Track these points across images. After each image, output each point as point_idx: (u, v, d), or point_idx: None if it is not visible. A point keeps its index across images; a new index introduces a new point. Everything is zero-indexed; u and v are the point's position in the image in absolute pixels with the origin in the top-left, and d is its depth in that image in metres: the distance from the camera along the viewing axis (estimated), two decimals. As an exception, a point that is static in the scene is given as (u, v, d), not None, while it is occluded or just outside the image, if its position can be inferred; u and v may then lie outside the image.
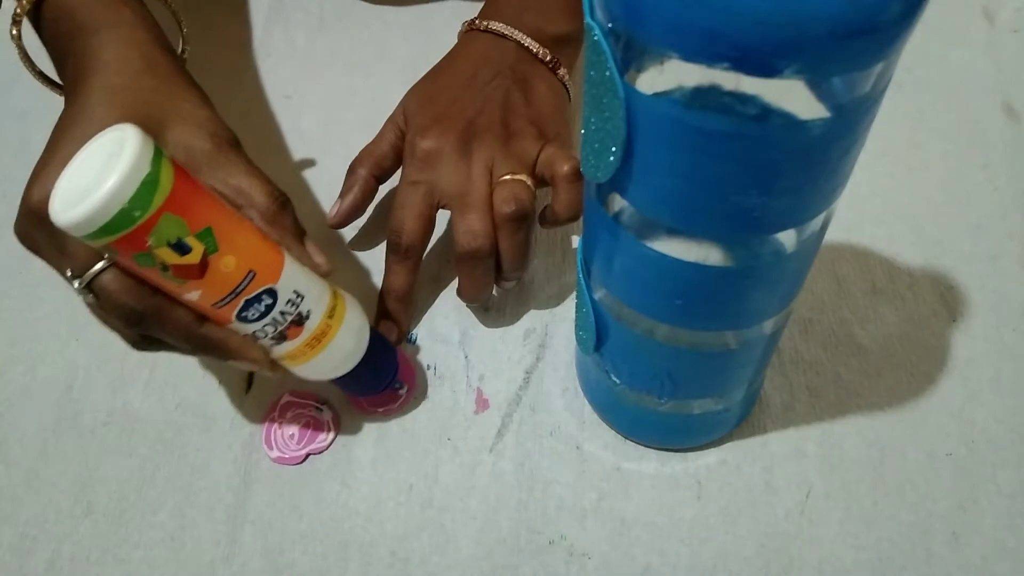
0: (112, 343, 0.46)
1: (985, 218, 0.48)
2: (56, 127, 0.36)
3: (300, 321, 0.35)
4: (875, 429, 0.41)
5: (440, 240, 0.48)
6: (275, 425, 0.42)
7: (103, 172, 0.28)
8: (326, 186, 0.51)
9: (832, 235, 0.37)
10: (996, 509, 0.39)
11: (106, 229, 0.28)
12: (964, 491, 0.39)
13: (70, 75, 0.38)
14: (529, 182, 0.42)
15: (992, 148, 0.52)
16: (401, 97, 0.47)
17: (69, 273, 0.33)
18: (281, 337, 0.35)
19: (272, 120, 0.55)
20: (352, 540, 0.39)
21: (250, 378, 0.44)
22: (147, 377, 0.45)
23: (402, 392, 0.43)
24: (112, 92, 0.36)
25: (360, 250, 0.49)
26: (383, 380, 0.41)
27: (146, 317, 0.33)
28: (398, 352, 0.42)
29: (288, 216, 0.37)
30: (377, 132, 0.47)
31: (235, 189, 0.36)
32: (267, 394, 0.44)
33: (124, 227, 0.28)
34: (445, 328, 0.46)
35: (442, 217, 0.44)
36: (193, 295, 0.32)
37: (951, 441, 0.41)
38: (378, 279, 0.46)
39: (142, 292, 0.33)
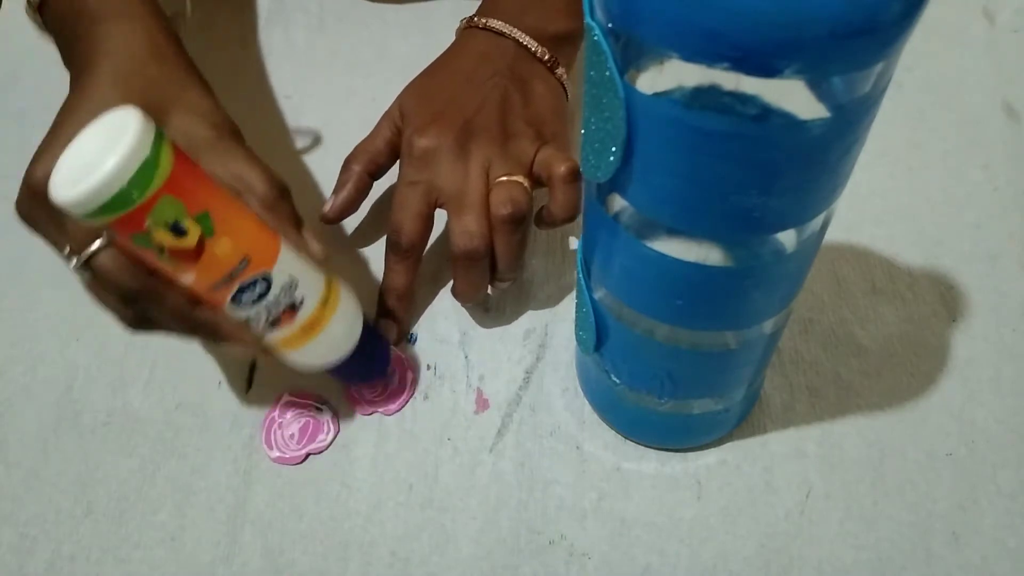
0: (112, 343, 0.46)
1: (985, 218, 0.48)
2: (61, 109, 0.36)
3: (294, 308, 0.35)
4: (875, 429, 0.41)
5: (439, 239, 0.48)
6: (275, 425, 0.42)
7: (104, 152, 0.28)
8: (326, 186, 0.51)
9: (832, 235, 0.37)
10: (996, 509, 0.39)
11: (105, 209, 0.28)
12: (964, 491, 0.39)
13: (77, 61, 0.38)
14: (526, 184, 0.42)
15: (992, 148, 0.51)
16: (399, 95, 0.47)
17: (67, 251, 0.34)
18: (275, 323, 0.35)
19: (272, 120, 0.55)
20: (352, 540, 0.39)
21: (250, 378, 0.44)
22: (147, 377, 0.45)
23: (393, 382, 0.43)
24: (118, 78, 0.36)
25: (357, 247, 0.49)
26: (375, 370, 0.42)
27: (141, 296, 0.33)
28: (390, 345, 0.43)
29: (286, 204, 0.38)
30: None
31: (235, 176, 0.36)
32: (267, 394, 0.44)
33: (122, 207, 0.28)
34: (445, 328, 0.46)
35: (441, 216, 0.44)
36: (188, 278, 0.32)
37: (951, 441, 0.41)
38: (376, 276, 0.46)
39: (138, 272, 0.33)
